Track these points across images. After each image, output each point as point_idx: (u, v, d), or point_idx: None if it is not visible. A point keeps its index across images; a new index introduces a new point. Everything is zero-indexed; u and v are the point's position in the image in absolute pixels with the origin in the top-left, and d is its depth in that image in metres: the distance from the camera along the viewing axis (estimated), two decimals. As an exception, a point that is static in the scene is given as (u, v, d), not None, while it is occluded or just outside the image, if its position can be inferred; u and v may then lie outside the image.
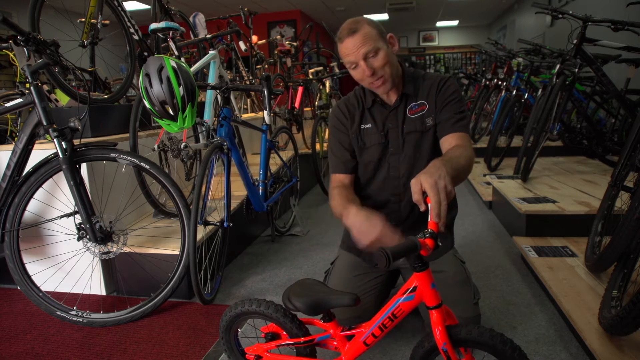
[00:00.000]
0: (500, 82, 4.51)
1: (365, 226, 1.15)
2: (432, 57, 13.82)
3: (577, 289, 1.69)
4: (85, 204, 1.75)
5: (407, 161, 1.50)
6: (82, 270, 2.01)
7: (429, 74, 1.52)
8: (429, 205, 1.01)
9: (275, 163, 2.73)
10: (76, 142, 1.77)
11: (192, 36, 3.45)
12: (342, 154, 1.56)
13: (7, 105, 1.83)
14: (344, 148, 1.56)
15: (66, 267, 2.02)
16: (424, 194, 1.02)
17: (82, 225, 1.78)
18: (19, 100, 1.79)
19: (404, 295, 1.05)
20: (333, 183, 1.56)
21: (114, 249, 1.83)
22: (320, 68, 5.37)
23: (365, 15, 1.48)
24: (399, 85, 1.49)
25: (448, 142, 1.42)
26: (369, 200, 1.59)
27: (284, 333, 1.28)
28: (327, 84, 4.70)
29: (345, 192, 1.46)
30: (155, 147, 2.09)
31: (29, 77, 1.69)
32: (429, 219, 1.00)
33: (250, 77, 4.63)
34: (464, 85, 6.62)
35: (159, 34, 2.41)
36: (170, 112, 1.70)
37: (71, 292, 2.02)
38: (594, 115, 3.78)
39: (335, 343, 1.23)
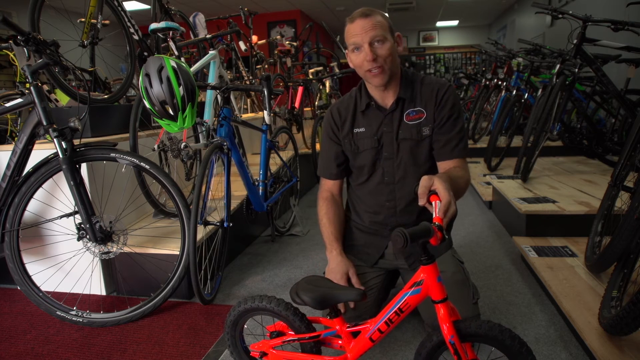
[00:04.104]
0: (500, 82, 4.51)
1: (334, 270, 1.48)
2: (432, 57, 13.82)
3: (577, 289, 1.70)
4: (85, 204, 1.75)
5: (402, 168, 1.50)
6: (82, 270, 2.01)
7: (427, 78, 1.51)
8: (434, 203, 1.07)
9: (275, 163, 2.73)
10: (76, 142, 1.78)
11: (192, 36, 3.45)
12: (329, 162, 1.62)
13: (7, 105, 1.83)
14: (332, 158, 1.60)
15: (66, 267, 2.02)
16: (430, 192, 1.09)
17: (82, 225, 1.78)
18: (19, 100, 1.79)
19: (411, 289, 1.06)
20: (322, 191, 1.65)
21: (114, 249, 1.83)
22: (320, 68, 5.38)
23: None
24: (395, 88, 1.47)
25: (447, 164, 1.46)
26: (364, 204, 1.59)
27: (290, 331, 1.28)
28: (327, 84, 4.70)
29: (332, 214, 1.58)
30: (155, 147, 2.09)
31: (29, 77, 1.69)
32: (435, 215, 1.04)
33: (250, 77, 4.63)
34: (463, 85, 6.61)
35: (159, 34, 2.41)
36: (170, 112, 1.70)
37: (71, 292, 2.02)
38: (594, 115, 3.78)
39: (340, 342, 1.23)
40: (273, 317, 1.29)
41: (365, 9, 1.39)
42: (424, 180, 1.10)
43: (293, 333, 1.27)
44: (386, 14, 1.42)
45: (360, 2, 8.93)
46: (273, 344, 1.31)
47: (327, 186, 1.64)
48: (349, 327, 1.22)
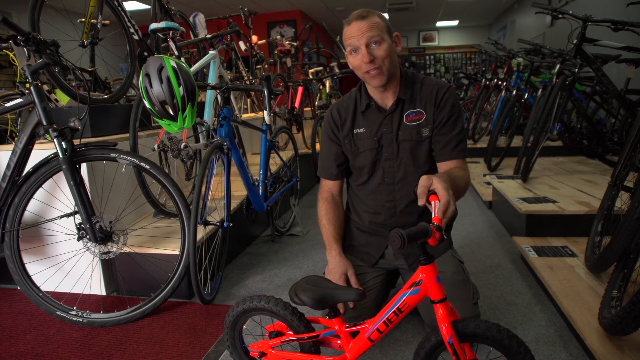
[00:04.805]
0: (500, 82, 4.51)
1: (333, 270, 1.48)
2: (432, 57, 13.83)
3: (577, 289, 1.70)
4: (85, 204, 1.75)
5: (403, 168, 1.50)
6: (82, 270, 2.01)
7: (427, 79, 1.51)
8: (434, 202, 1.06)
9: (275, 163, 2.73)
10: (76, 142, 1.78)
11: (192, 36, 3.45)
12: (329, 163, 1.61)
13: (7, 105, 1.83)
14: (332, 159, 1.60)
15: (66, 267, 2.02)
16: (429, 192, 1.08)
17: (82, 225, 1.78)
18: (19, 100, 1.79)
19: (410, 289, 1.06)
20: (322, 191, 1.65)
21: (114, 249, 1.83)
22: (320, 68, 5.38)
23: None
24: (395, 88, 1.47)
25: (447, 165, 1.46)
26: (364, 205, 1.59)
27: (289, 331, 1.28)
28: (327, 84, 4.70)
29: (332, 215, 1.58)
30: (155, 147, 2.09)
31: (29, 77, 1.69)
32: (434, 215, 1.04)
33: (250, 77, 4.63)
34: (463, 85, 6.62)
35: (159, 34, 2.41)
36: (170, 112, 1.70)
37: (71, 292, 2.02)
38: (594, 115, 3.78)
39: (339, 342, 1.23)
40: (272, 317, 1.29)
41: (362, 11, 1.39)
42: (423, 180, 1.10)
43: (292, 333, 1.27)
44: (384, 15, 1.41)
45: (360, 2, 8.94)
46: (272, 344, 1.31)
47: (327, 187, 1.64)
48: (348, 327, 1.22)
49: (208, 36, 2.85)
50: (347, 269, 1.48)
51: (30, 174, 1.82)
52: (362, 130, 1.52)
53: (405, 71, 1.50)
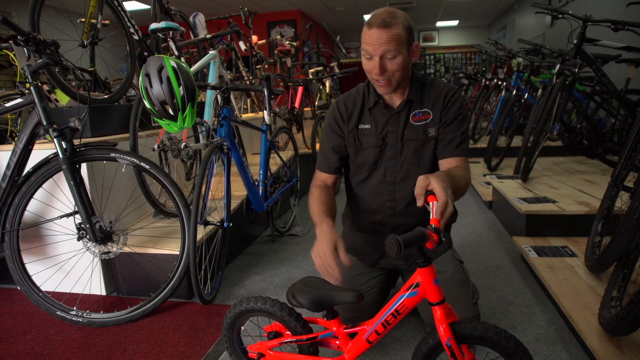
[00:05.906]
0: (500, 82, 4.51)
1: (321, 241, 1.28)
2: (432, 57, 13.82)
3: (577, 289, 1.70)
4: (85, 204, 1.75)
5: (405, 168, 1.50)
6: (82, 270, 2.01)
7: (437, 81, 1.50)
8: (432, 203, 1.05)
9: (275, 163, 2.73)
10: (76, 142, 1.78)
11: (192, 36, 3.45)
12: (329, 156, 1.58)
13: (7, 105, 1.83)
14: (333, 151, 1.57)
15: (66, 267, 2.02)
16: (427, 192, 1.07)
17: (82, 225, 1.78)
18: (19, 100, 1.79)
19: (408, 292, 1.06)
20: (316, 181, 1.60)
21: (114, 249, 1.83)
22: (320, 68, 5.37)
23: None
24: (405, 89, 1.47)
25: (449, 163, 1.45)
26: (363, 204, 1.58)
27: (287, 332, 1.28)
28: (327, 84, 4.70)
29: (324, 197, 1.49)
30: (155, 147, 2.08)
31: (29, 77, 1.69)
32: (432, 216, 1.03)
33: (250, 77, 4.63)
34: (464, 85, 6.61)
35: (159, 34, 2.41)
36: (170, 112, 1.70)
37: (71, 292, 2.02)
38: (594, 115, 3.78)
39: (337, 342, 1.23)
40: (269, 318, 1.29)
41: (387, 16, 1.31)
42: (421, 180, 1.09)
43: (290, 334, 1.27)
44: (409, 19, 1.35)
45: (360, 2, 8.94)
46: (270, 345, 1.31)
47: (322, 177, 1.59)
48: (346, 328, 1.21)
49: (208, 36, 2.85)
50: (336, 239, 1.29)
51: (30, 174, 1.81)
52: (367, 126, 1.51)
53: (416, 73, 1.49)
